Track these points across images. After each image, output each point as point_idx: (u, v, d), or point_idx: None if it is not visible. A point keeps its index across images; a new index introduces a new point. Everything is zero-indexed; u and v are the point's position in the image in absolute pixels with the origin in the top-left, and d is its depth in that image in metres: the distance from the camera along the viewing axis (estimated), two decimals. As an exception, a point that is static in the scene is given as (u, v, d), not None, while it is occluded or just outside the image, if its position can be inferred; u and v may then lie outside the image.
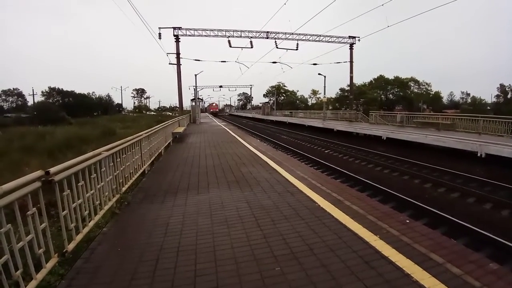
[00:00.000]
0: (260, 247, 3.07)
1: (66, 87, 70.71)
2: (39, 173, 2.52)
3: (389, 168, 11.12)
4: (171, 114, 61.38)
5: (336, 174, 10.16)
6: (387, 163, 11.99)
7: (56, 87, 68.22)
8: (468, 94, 78.82)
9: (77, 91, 70.55)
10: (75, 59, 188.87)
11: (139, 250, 3.08)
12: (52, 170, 2.67)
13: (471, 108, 57.31)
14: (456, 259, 2.71)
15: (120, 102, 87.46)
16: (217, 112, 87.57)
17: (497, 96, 72.66)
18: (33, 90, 63.06)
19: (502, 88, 71.53)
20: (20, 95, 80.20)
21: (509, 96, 69.57)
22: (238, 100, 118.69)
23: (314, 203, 4.40)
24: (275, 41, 28.21)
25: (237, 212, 4.12)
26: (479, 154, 10.37)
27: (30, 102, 66.77)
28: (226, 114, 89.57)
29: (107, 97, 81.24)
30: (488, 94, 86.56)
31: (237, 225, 3.68)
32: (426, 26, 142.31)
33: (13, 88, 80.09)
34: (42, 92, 67.61)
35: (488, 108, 64.01)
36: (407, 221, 3.69)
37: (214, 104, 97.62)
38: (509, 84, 69.89)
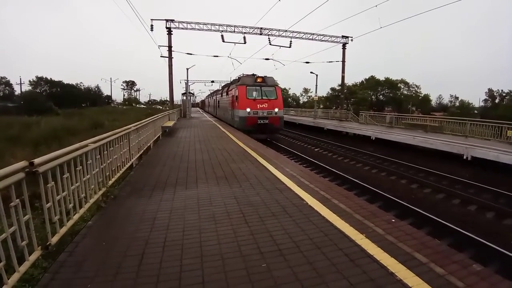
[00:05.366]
0: (247, 244, 3.06)
1: (54, 77, 69.56)
2: (22, 163, 2.46)
3: (377, 168, 11.26)
4: (161, 107, 60.74)
5: (325, 173, 10.24)
6: (375, 163, 12.14)
7: (44, 77, 66.95)
8: (456, 98, 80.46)
9: (65, 81, 69.51)
10: (65, 48, 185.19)
11: (125, 244, 3.04)
12: (37, 161, 2.61)
13: (458, 112, 58.26)
14: (440, 259, 2.75)
15: (109, 94, 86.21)
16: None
17: (485, 100, 74.41)
18: (20, 79, 61.50)
19: (490, 92, 73.27)
20: (7, 84, 77.57)
21: (496, 100, 71.17)
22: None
23: (302, 201, 4.41)
24: (269, 38, 27.96)
25: (225, 208, 4.11)
26: (465, 157, 10.59)
27: (17, 91, 65.23)
28: None
29: (96, 88, 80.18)
30: (476, 98, 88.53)
31: (224, 221, 3.67)
32: (419, 29, 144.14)
33: (1, 77, 77.79)
34: (30, 81, 66.29)
35: (476, 112, 65.23)
36: (393, 220, 3.74)
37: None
38: (497, 89, 71.67)
